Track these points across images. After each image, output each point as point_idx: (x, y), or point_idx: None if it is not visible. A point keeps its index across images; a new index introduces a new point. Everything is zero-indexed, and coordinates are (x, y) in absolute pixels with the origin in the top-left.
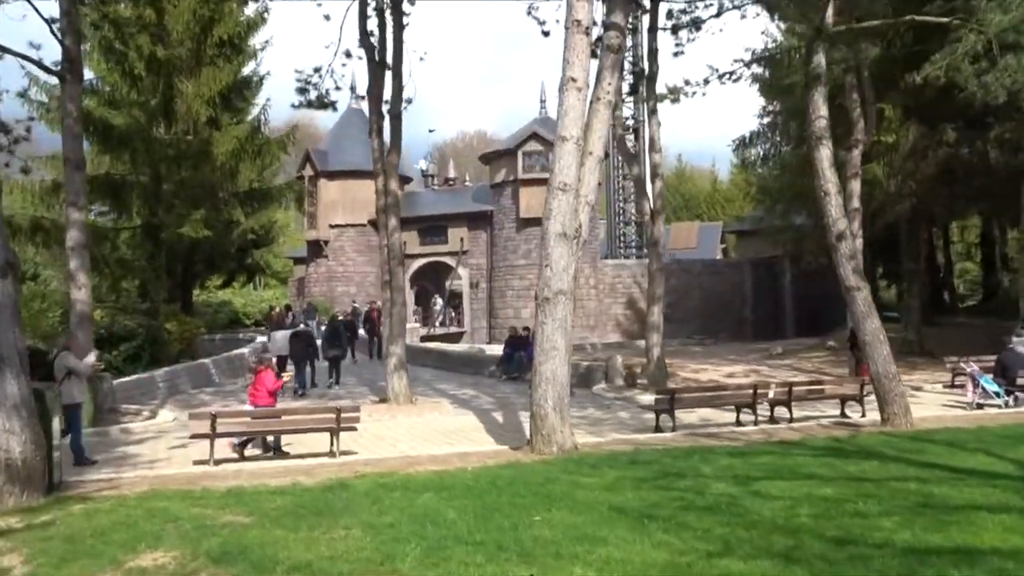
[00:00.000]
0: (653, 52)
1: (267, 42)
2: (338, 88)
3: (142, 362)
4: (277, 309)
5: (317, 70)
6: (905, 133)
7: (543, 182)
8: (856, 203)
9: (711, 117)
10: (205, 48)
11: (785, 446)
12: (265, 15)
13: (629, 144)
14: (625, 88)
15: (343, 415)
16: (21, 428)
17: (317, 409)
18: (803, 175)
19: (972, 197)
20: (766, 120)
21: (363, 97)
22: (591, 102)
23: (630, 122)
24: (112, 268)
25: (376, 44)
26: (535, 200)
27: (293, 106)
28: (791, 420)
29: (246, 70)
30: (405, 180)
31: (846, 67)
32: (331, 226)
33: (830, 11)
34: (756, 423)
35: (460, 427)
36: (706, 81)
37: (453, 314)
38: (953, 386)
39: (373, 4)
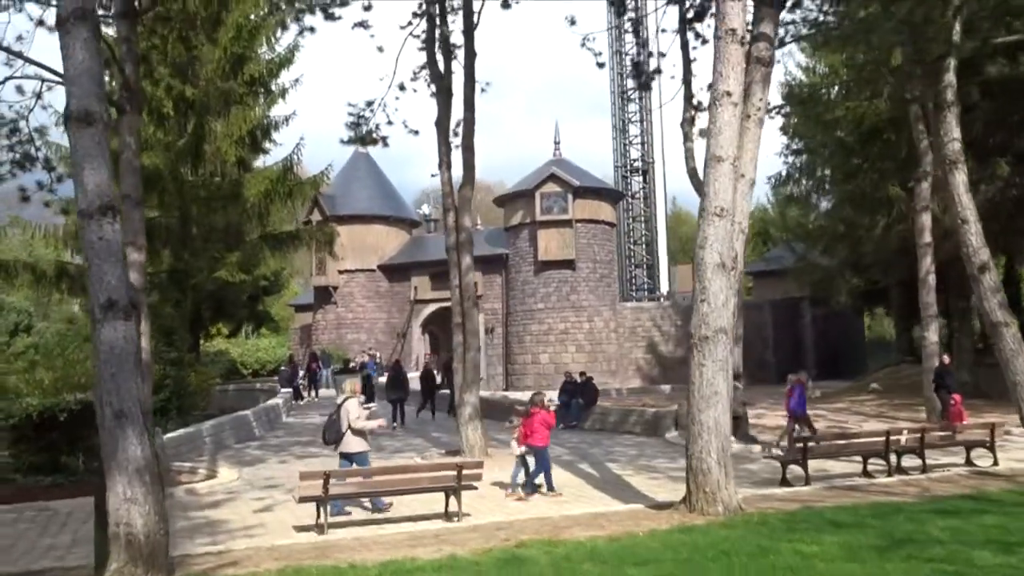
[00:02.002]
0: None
1: (297, 80)
2: (390, 123)
3: (170, 415)
4: (364, 357)
5: (369, 104)
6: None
7: (561, 224)
8: (928, 237)
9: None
10: (235, 87)
11: (979, 501)
12: (295, 53)
13: (637, 186)
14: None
15: (464, 472)
16: (144, 497)
17: (436, 465)
18: (845, 213)
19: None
20: (791, 159)
21: (416, 132)
22: (740, 120)
23: (638, 163)
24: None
25: (443, 73)
26: (553, 242)
27: (342, 141)
28: (924, 469)
29: (275, 110)
30: (413, 224)
31: (911, 97)
32: (340, 272)
33: (958, 27)
34: (890, 473)
35: (559, 483)
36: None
37: None
38: None
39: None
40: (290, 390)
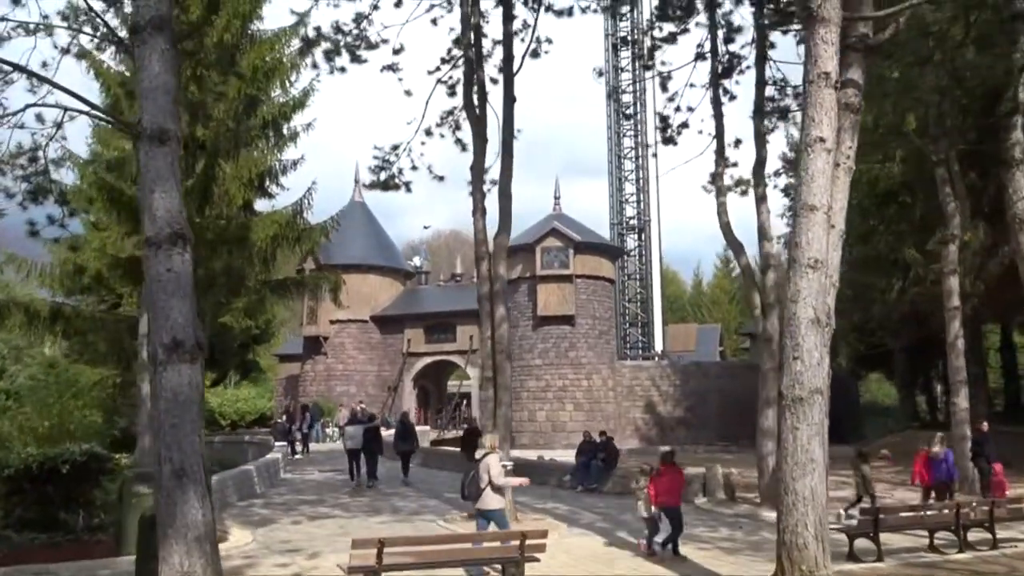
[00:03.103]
0: (761, 135)
1: (309, 125)
2: (414, 168)
3: None
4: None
5: (395, 148)
6: (975, 230)
7: (561, 279)
8: (956, 301)
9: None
10: (247, 129)
11: None
12: (309, 96)
13: (632, 244)
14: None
15: (528, 541)
16: (203, 569)
17: (498, 535)
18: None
19: None
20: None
21: (442, 178)
22: (832, 167)
23: (633, 221)
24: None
25: (478, 117)
26: (553, 297)
27: (365, 186)
28: (994, 545)
29: (286, 153)
30: (407, 276)
31: (936, 160)
32: (331, 321)
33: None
34: (961, 549)
35: (608, 554)
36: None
37: (463, 415)
38: None
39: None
40: (285, 444)
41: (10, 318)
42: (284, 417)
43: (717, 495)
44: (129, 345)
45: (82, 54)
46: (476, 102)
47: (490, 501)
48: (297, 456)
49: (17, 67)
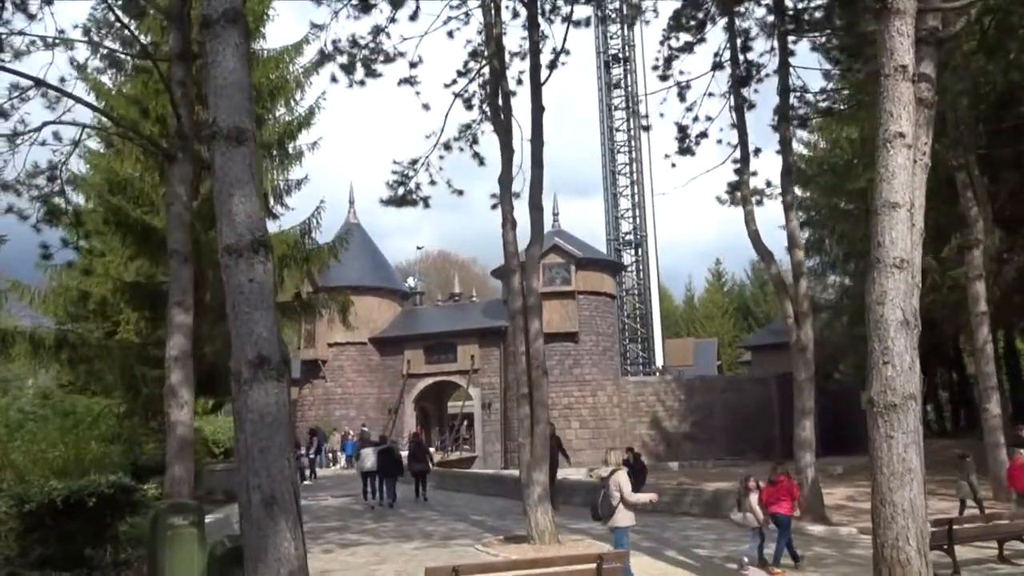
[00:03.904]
0: (787, 142)
1: (315, 144)
2: (432, 183)
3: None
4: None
5: (414, 163)
6: (991, 235)
7: (564, 295)
8: (983, 306)
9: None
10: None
11: None
12: (315, 115)
13: (629, 259)
14: (624, 186)
15: (605, 565)
16: None
17: (575, 557)
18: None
19: None
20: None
21: (461, 192)
22: (913, 163)
23: (629, 236)
24: (151, 387)
25: (505, 127)
26: (556, 315)
27: (382, 201)
28: None
29: (290, 173)
30: (404, 296)
31: (957, 164)
32: (330, 345)
33: None
34: None
35: (654, 573)
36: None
37: (465, 436)
38: None
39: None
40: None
41: (15, 347)
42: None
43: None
44: (139, 372)
45: (85, 73)
46: (501, 114)
47: (622, 519)
48: (306, 482)
49: (39, 82)
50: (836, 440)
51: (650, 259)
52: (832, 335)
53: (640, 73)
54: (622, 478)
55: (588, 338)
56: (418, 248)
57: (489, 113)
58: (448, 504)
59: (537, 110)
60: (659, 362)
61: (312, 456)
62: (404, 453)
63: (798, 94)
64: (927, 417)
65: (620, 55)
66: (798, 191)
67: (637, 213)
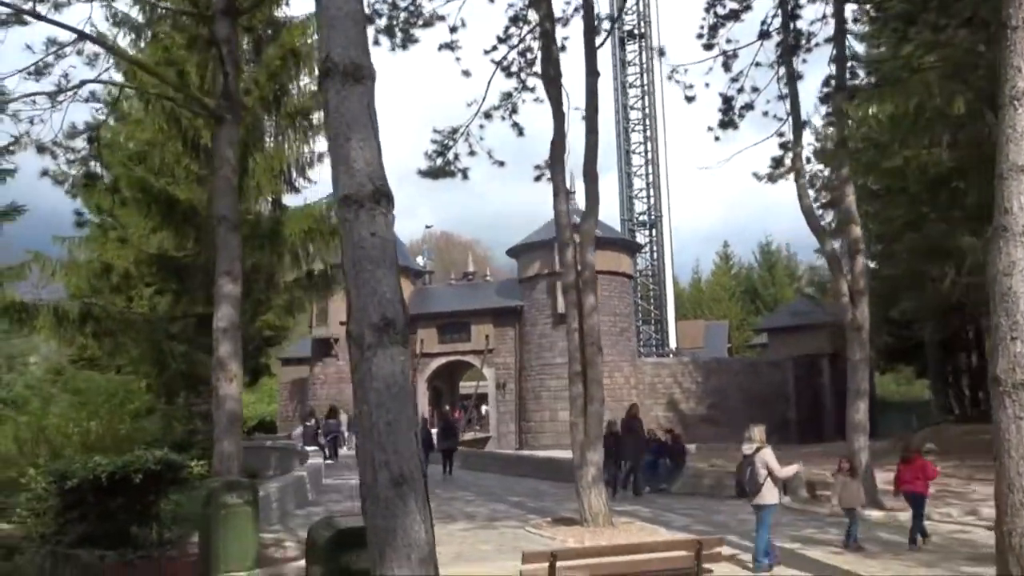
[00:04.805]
0: (842, 114)
1: None
2: (472, 153)
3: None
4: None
5: (454, 132)
6: None
7: None
8: None
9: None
10: (277, 119)
11: None
12: None
13: (643, 240)
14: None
15: (704, 550)
16: None
17: (673, 543)
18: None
19: None
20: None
21: (502, 163)
22: None
23: (644, 216)
24: (178, 363)
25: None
26: None
27: (420, 172)
28: None
29: (316, 145)
30: (417, 275)
31: None
32: (342, 323)
33: None
34: None
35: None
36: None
37: (480, 416)
38: None
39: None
40: (315, 448)
41: (38, 318)
42: (312, 421)
43: (800, 494)
44: (167, 347)
45: (127, 26)
46: (551, 78)
47: (768, 496)
48: (328, 462)
49: (82, 34)
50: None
51: (664, 239)
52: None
53: (656, 50)
54: (768, 455)
55: (606, 319)
56: (427, 227)
57: (540, 73)
58: (478, 484)
59: (591, 74)
60: (672, 344)
61: (335, 434)
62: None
63: (851, 64)
64: (949, 402)
65: (636, 31)
66: (819, 170)
67: (652, 193)
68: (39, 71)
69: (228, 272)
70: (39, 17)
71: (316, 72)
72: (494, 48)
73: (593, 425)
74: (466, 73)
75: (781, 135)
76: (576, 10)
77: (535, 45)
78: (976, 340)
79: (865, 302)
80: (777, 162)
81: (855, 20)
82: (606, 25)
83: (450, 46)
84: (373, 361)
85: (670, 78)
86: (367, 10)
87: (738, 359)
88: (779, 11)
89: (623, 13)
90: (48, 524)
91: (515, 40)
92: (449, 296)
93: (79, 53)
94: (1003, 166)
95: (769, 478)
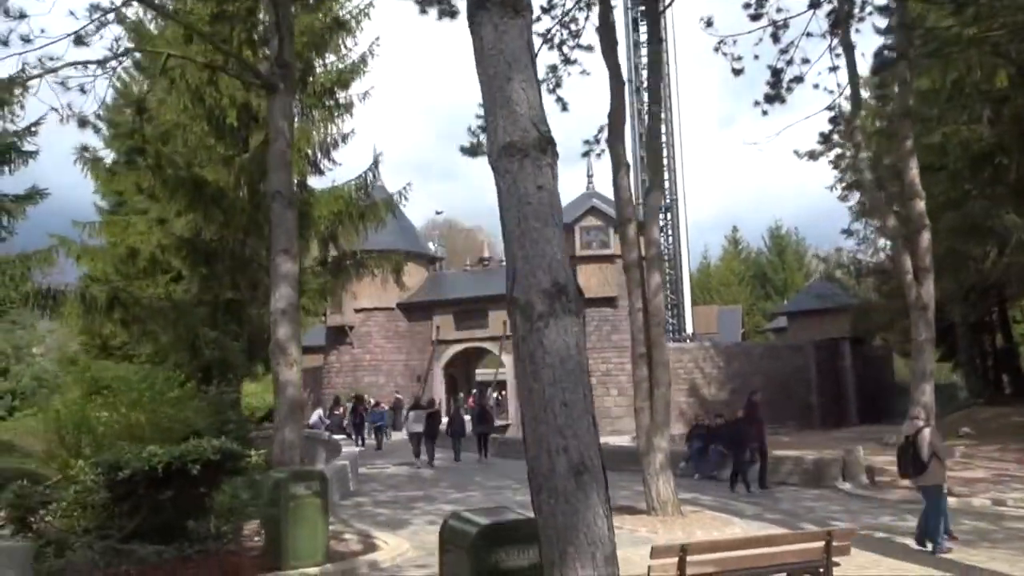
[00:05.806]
0: (905, 83)
1: (366, 94)
2: None
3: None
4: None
5: None
6: None
7: (602, 259)
8: None
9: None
10: (302, 99)
11: None
12: (366, 63)
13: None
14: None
15: (835, 543)
16: None
17: (803, 535)
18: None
19: None
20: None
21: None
22: None
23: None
24: (210, 349)
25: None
26: (594, 279)
27: (462, 150)
28: None
29: (345, 125)
30: (431, 261)
31: None
32: (357, 310)
33: None
34: None
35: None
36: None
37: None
38: None
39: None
40: (344, 437)
41: (66, 305)
42: (340, 409)
43: (860, 479)
44: (201, 333)
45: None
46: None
47: (933, 476)
48: (358, 448)
49: None
50: (873, 407)
51: (680, 223)
52: (874, 303)
53: (671, 30)
54: (933, 434)
55: (627, 303)
56: (437, 213)
57: (600, 40)
58: (519, 472)
59: (655, 41)
60: (688, 329)
61: (360, 422)
62: (445, 420)
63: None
64: (971, 384)
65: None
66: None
67: (667, 176)
68: (79, 40)
69: (285, 250)
70: None
71: (344, 48)
72: (538, 19)
73: (659, 410)
74: None
75: (831, 108)
76: None
77: (580, 16)
78: (1001, 322)
79: (930, 280)
80: (825, 137)
81: None
82: None
83: None
84: (544, 333)
85: (716, 50)
86: None
87: (759, 344)
88: None
89: None
90: (96, 517)
91: (558, 11)
92: (465, 282)
93: (121, 21)
94: None
95: (935, 458)
